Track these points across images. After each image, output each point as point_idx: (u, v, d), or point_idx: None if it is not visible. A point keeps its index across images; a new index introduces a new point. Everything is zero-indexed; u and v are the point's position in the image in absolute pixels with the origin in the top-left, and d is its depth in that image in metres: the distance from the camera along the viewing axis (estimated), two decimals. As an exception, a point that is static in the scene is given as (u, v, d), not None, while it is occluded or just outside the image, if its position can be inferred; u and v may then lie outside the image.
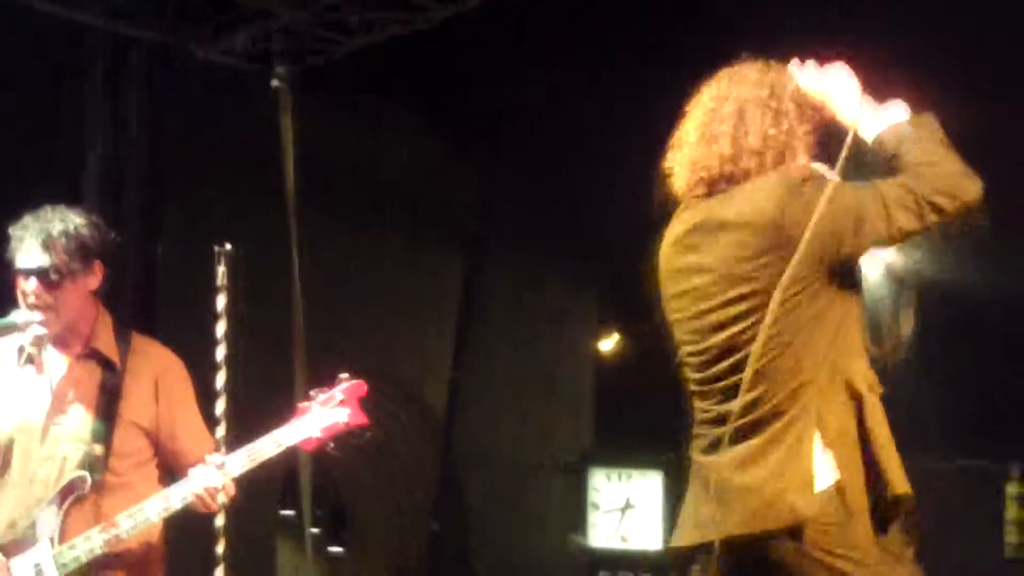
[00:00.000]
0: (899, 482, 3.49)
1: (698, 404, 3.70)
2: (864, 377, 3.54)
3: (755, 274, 3.51)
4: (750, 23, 7.19)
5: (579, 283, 9.72)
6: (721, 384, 3.59)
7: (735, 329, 3.54)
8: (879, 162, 3.53)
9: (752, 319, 3.51)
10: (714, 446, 3.60)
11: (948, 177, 3.41)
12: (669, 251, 3.76)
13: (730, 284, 3.56)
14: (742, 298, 3.53)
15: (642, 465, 10.12)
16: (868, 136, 3.55)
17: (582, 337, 10.32)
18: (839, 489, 3.45)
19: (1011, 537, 8.99)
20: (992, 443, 8.57)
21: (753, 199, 3.55)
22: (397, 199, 8.44)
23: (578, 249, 9.15)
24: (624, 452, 10.11)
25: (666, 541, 10.05)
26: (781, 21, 6.90)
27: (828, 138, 3.64)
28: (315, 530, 7.06)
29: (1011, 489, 9.06)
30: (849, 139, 3.54)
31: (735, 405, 3.53)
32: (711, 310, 3.61)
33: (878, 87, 3.66)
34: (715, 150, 3.66)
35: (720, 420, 3.58)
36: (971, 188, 3.41)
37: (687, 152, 3.73)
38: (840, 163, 3.54)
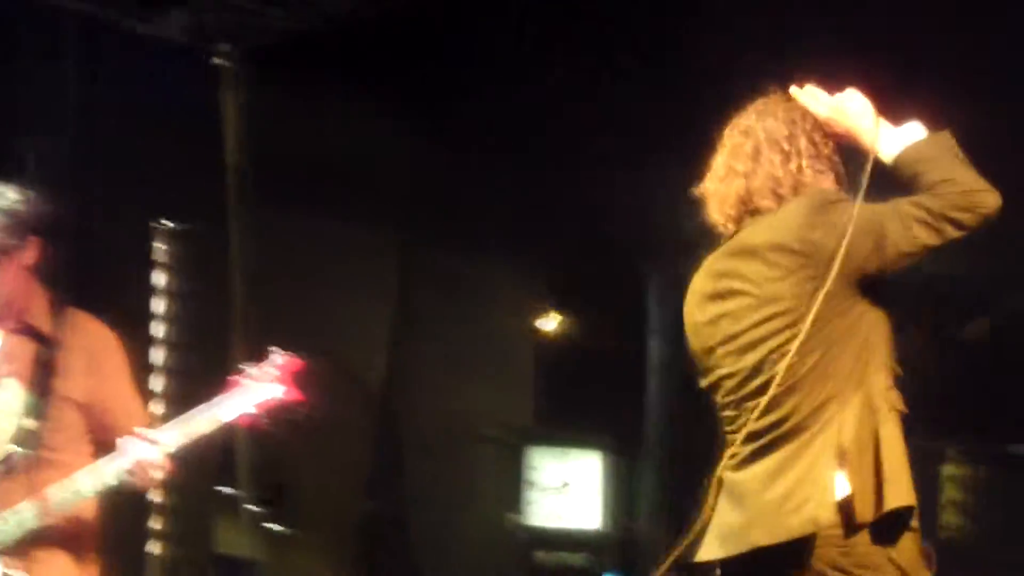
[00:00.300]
0: (903, 494, 3.60)
1: (729, 426, 3.82)
2: (885, 393, 3.67)
3: (786, 293, 3.66)
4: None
5: (523, 263, 9.75)
6: (752, 403, 3.71)
7: (767, 348, 3.68)
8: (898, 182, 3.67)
9: (784, 337, 3.65)
10: (743, 463, 3.74)
11: (965, 193, 3.54)
12: (700, 281, 3.92)
13: (762, 305, 3.70)
14: (774, 317, 3.68)
15: (581, 444, 10.19)
16: (887, 158, 3.69)
17: (524, 317, 10.35)
18: (852, 501, 3.56)
19: (946, 518, 9.09)
20: (927, 424, 8.65)
21: (780, 223, 3.71)
22: (341, 177, 8.43)
23: (522, 228, 9.18)
24: (563, 431, 10.16)
25: (606, 521, 10.21)
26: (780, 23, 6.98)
27: (849, 161, 3.81)
28: (253, 507, 7.05)
29: (947, 470, 9.17)
30: (869, 164, 3.70)
31: (764, 421, 3.67)
32: (744, 331, 3.75)
33: (888, 97, 3.79)
34: (734, 188, 3.84)
35: (750, 437, 3.71)
36: (989, 202, 3.55)
37: (716, 186, 3.91)
38: (862, 189, 3.67)
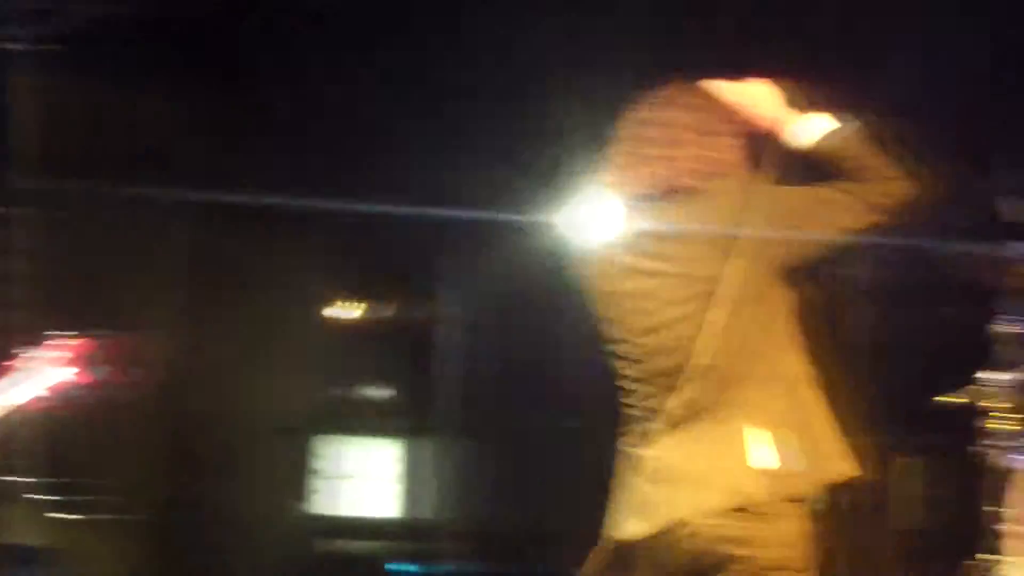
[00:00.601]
0: (828, 469, 3.69)
1: (639, 398, 3.84)
2: (807, 370, 3.74)
3: (707, 275, 3.68)
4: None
5: (315, 249, 9.72)
6: (666, 379, 3.74)
7: (684, 327, 3.71)
8: (813, 168, 3.76)
9: (707, 317, 3.67)
10: (658, 438, 3.76)
11: (884, 179, 3.66)
12: (617, 255, 3.90)
13: (682, 285, 3.73)
14: (694, 298, 3.70)
15: (368, 432, 10.22)
16: (800, 144, 3.77)
17: (315, 303, 10.33)
18: (776, 474, 3.61)
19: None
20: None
21: (711, 206, 3.74)
22: (130, 160, 8.35)
23: (316, 215, 9.17)
24: (351, 418, 10.18)
25: (394, 509, 10.26)
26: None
27: (761, 149, 3.83)
28: (39, 495, 6.96)
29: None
30: (777, 149, 3.77)
31: (680, 397, 3.71)
32: (660, 309, 3.77)
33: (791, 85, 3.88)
34: (651, 171, 3.83)
35: (665, 412, 3.74)
36: (907, 189, 3.66)
37: (625, 173, 3.89)
38: (771, 171, 3.75)
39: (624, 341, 3.88)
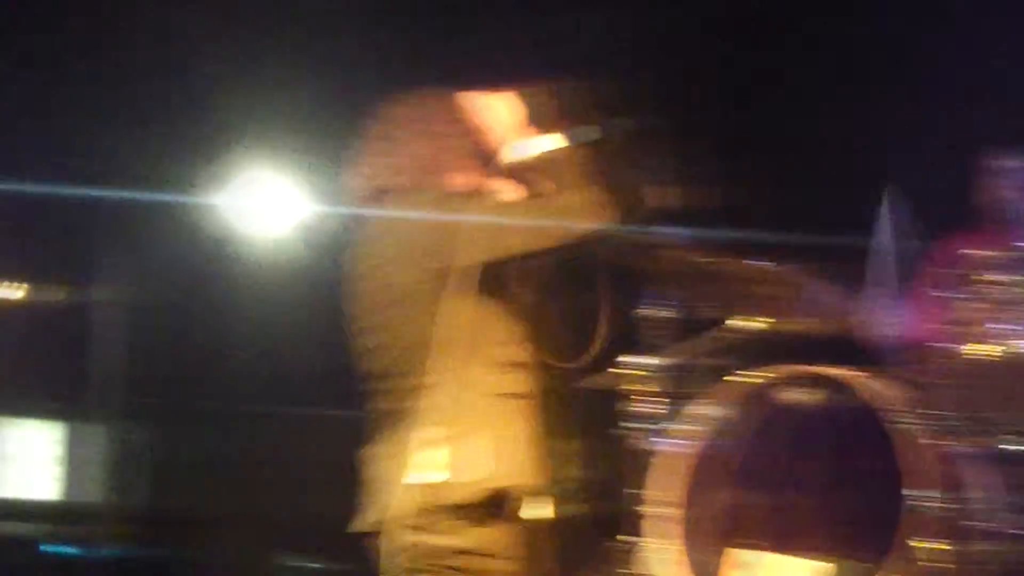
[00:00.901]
0: (525, 473, 3.86)
1: (372, 400, 3.95)
2: (499, 377, 3.87)
3: (416, 279, 3.80)
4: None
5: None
6: (383, 383, 3.89)
7: (393, 330, 3.85)
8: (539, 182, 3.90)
9: (406, 319, 3.82)
10: (376, 439, 3.90)
11: (582, 201, 3.81)
12: (356, 252, 4.01)
13: (394, 288, 3.84)
14: (401, 300, 3.82)
15: (26, 414, 10.04)
16: (518, 157, 3.95)
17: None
18: (446, 484, 3.74)
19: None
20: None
21: (418, 209, 3.84)
22: None
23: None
24: (7, 400, 9.98)
25: (49, 490, 10.09)
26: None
27: (491, 161, 4.00)
28: None
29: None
30: (499, 159, 3.95)
31: (388, 401, 3.87)
32: (378, 309, 3.89)
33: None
34: (381, 170, 3.97)
35: (377, 415, 3.90)
36: (605, 211, 3.83)
37: (366, 166, 4.02)
38: (492, 179, 3.93)
39: (358, 341, 3.99)
